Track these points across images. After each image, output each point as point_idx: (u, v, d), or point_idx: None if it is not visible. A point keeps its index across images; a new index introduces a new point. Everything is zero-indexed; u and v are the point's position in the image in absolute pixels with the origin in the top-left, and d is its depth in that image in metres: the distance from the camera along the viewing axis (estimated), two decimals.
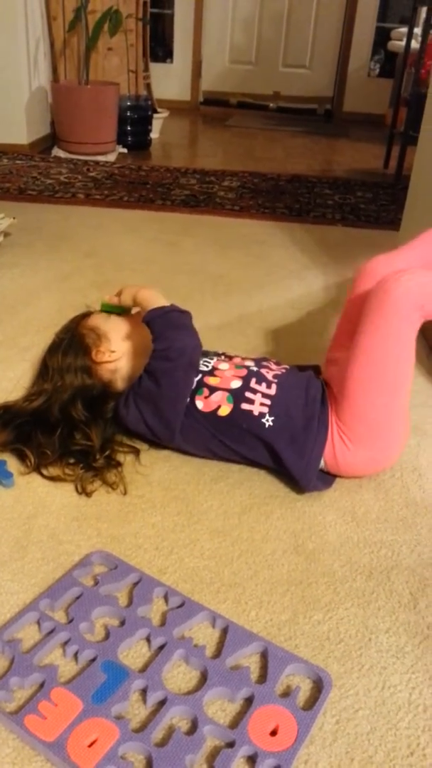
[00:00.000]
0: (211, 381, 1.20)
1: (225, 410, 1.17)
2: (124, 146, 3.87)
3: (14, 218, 2.22)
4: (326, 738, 0.79)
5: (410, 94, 3.28)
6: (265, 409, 1.16)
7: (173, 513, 1.12)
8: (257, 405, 1.16)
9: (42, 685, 0.81)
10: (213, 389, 1.19)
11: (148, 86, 4.40)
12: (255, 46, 5.47)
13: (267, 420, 1.15)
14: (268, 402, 1.16)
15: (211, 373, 1.22)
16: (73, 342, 1.27)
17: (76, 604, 0.92)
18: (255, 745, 0.75)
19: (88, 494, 1.15)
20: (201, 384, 1.20)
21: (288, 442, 1.14)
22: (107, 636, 0.88)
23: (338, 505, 1.16)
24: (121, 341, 1.28)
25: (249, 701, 0.81)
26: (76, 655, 0.85)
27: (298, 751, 0.75)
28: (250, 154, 4.07)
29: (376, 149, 4.24)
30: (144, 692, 0.81)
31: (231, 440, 1.18)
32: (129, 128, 3.87)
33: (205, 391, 1.19)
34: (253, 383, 1.19)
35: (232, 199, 2.95)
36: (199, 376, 1.21)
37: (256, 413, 1.15)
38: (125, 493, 1.16)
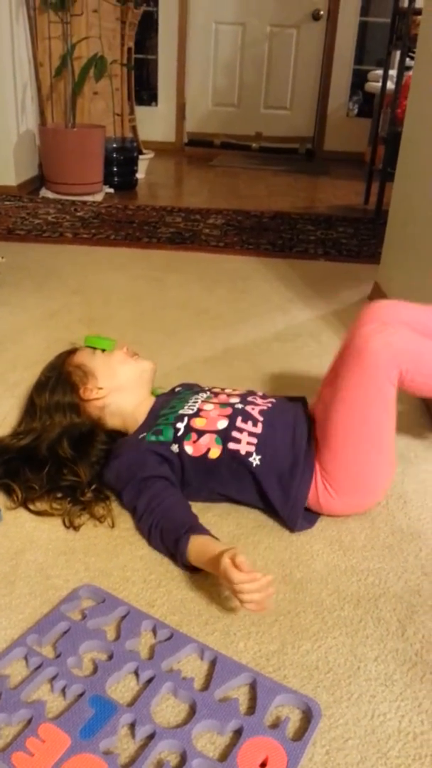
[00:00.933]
0: (197, 424, 1.20)
1: (215, 452, 1.16)
2: (110, 186, 3.94)
3: (2, 258, 2.25)
4: None
5: (387, 132, 3.38)
6: (252, 448, 1.16)
7: None
8: (244, 444, 1.16)
9: (30, 722, 0.81)
10: (200, 432, 1.18)
11: (133, 128, 4.50)
12: (237, 88, 5.61)
13: (254, 459, 1.15)
14: (254, 441, 1.17)
15: (197, 415, 1.22)
16: (60, 380, 1.28)
17: (64, 638, 0.92)
18: None
19: (76, 528, 1.15)
20: (188, 429, 1.19)
21: (275, 482, 1.15)
22: (95, 670, 0.88)
23: (325, 534, 1.17)
24: (108, 377, 1.28)
25: (238, 733, 0.81)
26: (63, 690, 0.85)
27: None
28: (234, 192, 4.15)
29: (356, 186, 4.34)
30: (132, 726, 0.81)
31: (221, 483, 1.18)
32: (115, 169, 3.95)
33: (193, 436, 1.18)
34: (239, 422, 1.19)
35: (216, 236, 3.00)
36: (185, 420, 1.21)
37: (243, 452, 1.16)
38: (113, 526, 1.16)
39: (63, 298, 2.20)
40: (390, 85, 3.73)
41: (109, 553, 1.10)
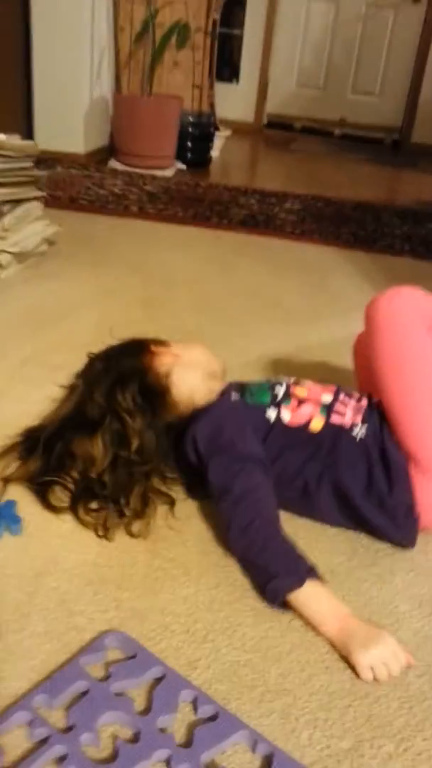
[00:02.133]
0: (298, 392, 1.07)
1: (318, 424, 1.03)
2: (182, 162, 3.74)
3: (60, 226, 2.07)
4: None
5: None
6: (358, 419, 1.03)
7: (211, 584, 0.92)
8: (349, 417, 1.04)
9: None
10: (302, 400, 1.06)
11: (211, 105, 4.28)
12: (324, 70, 5.32)
13: (359, 430, 1.02)
14: (359, 416, 1.04)
15: (296, 383, 1.10)
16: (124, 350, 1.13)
17: (80, 704, 0.72)
18: None
19: (109, 539, 0.96)
20: (287, 394, 1.06)
21: (378, 459, 0.99)
22: (115, 754, 0.68)
23: (414, 592, 0.94)
24: (180, 350, 1.15)
25: None
26: None
27: None
28: (313, 178, 3.89)
29: None
30: None
31: (321, 461, 1.01)
32: (189, 144, 3.74)
33: (293, 402, 1.05)
34: (342, 397, 1.08)
35: (293, 222, 2.76)
36: (284, 385, 1.08)
37: (348, 425, 1.03)
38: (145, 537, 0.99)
39: (121, 275, 2.00)
40: None
41: (146, 588, 0.90)
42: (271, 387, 1.08)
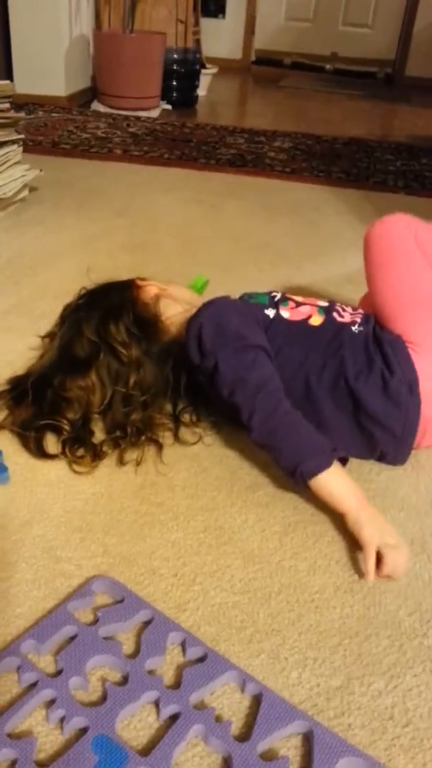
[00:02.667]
0: (295, 297, 1.12)
1: (317, 320, 1.06)
2: (168, 102, 3.61)
3: (41, 170, 2.00)
4: None
5: None
6: (358, 318, 1.07)
7: (199, 528, 0.91)
8: (347, 317, 1.08)
9: (14, 765, 0.61)
10: (299, 303, 1.10)
11: (197, 42, 4.10)
12: (314, 1, 5.09)
13: (357, 327, 1.05)
14: (358, 317, 1.08)
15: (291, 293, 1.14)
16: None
17: (69, 648, 0.72)
18: None
19: (101, 456, 0.99)
20: (285, 297, 1.11)
21: (376, 348, 1.02)
22: (104, 697, 0.68)
23: (404, 531, 0.93)
24: (164, 285, 1.15)
25: None
26: (61, 722, 0.65)
27: None
28: (303, 115, 3.77)
29: None
30: None
31: (318, 350, 1.02)
32: (174, 83, 3.61)
33: (291, 303, 1.09)
34: (337, 305, 1.11)
35: (283, 161, 2.68)
36: (280, 293, 1.12)
37: (347, 321, 1.07)
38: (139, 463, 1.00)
39: (105, 220, 1.95)
40: None
41: (134, 533, 0.89)
42: (268, 293, 1.12)
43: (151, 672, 0.71)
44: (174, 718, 0.66)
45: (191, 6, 3.93)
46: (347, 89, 4.68)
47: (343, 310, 1.10)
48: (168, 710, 0.67)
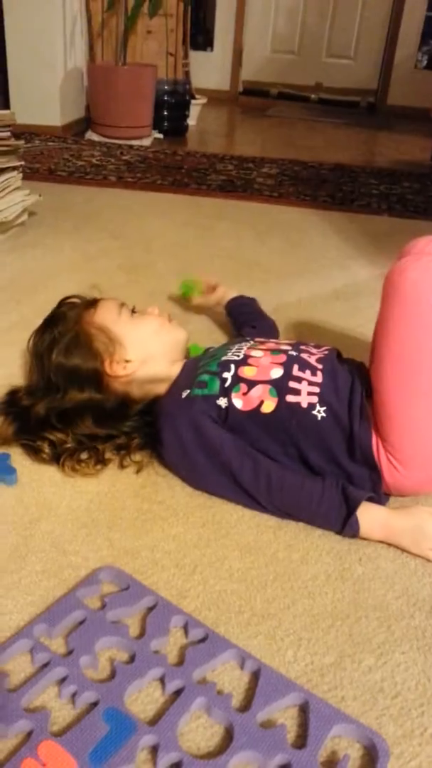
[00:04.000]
0: (246, 373, 1.03)
1: (269, 406, 0.99)
2: (160, 131, 3.72)
3: (40, 195, 2.08)
4: None
5: None
6: (314, 399, 0.99)
7: (198, 524, 0.96)
8: (304, 395, 0.99)
9: (29, 735, 0.66)
10: (251, 383, 1.01)
11: (186, 74, 4.24)
12: (298, 34, 5.27)
13: (318, 411, 0.98)
14: (316, 390, 0.99)
15: (245, 362, 1.04)
16: (77, 341, 1.06)
17: (78, 631, 0.76)
18: None
19: (104, 463, 1.05)
20: (236, 379, 1.02)
21: (341, 439, 0.97)
22: (113, 674, 0.72)
23: None
24: (138, 348, 1.08)
25: None
26: (73, 697, 0.70)
27: None
28: (290, 143, 3.89)
29: (421, 142, 4.02)
30: (155, 750, 0.65)
31: (276, 442, 0.99)
32: (166, 113, 3.72)
33: (243, 387, 1.01)
34: (295, 370, 1.02)
35: (270, 186, 2.78)
36: (232, 369, 1.04)
37: (304, 405, 0.98)
38: (138, 470, 1.04)
39: (102, 242, 2.02)
40: None
41: (137, 529, 0.94)
42: (220, 373, 1.04)
43: (156, 652, 0.75)
44: (178, 693, 0.71)
45: (180, 39, 4.08)
46: (331, 117, 4.82)
47: (300, 381, 1.01)
48: (173, 685, 0.72)
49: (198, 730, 0.69)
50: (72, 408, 1.04)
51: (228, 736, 0.68)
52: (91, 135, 3.54)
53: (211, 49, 5.34)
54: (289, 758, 0.65)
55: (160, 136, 3.72)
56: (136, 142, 3.47)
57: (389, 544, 0.94)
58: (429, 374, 0.92)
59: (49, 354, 1.06)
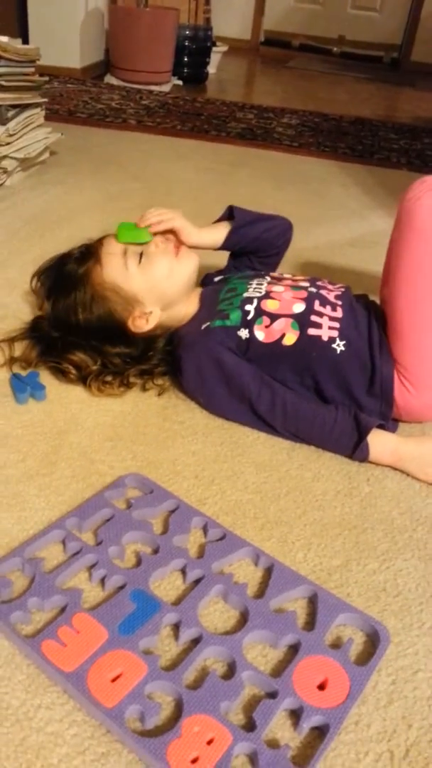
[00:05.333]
0: (269, 306, 1.06)
1: (291, 338, 1.03)
2: (179, 78, 3.69)
3: (62, 134, 2.09)
4: (380, 699, 0.69)
5: None
6: (335, 333, 1.03)
7: (216, 442, 1.02)
8: (325, 329, 1.03)
9: (64, 609, 0.72)
10: (274, 316, 1.05)
11: (208, 20, 4.17)
12: None
13: (338, 345, 1.02)
14: (336, 325, 1.04)
15: (267, 296, 1.08)
16: (97, 305, 1.07)
17: (106, 526, 0.83)
18: (300, 699, 0.66)
19: (128, 386, 1.08)
20: (259, 312, 1.05)
21: (359, 372, 1.02)
22: (138, 563, 0.79)
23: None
24: (154, 297, 1.08)
25: (294, 649, 0.71)
26: (103, 581, 0.76)
27: (349, 710, 0.65)
28: (311, 95, 3.85)
29: None
30: (176, 627, 0.72)
31: (296, 373, 1.04)
32: (186, 59, 3.68)
33: (265, 320, 1.04)
34: (317, 306, 1.06)
35: (290, 136, 2.77)
36: (254, 302, 1.07)
37: (325, 338, 1.03)
38: (160, 393, 1.09)
39: (122, 183, 2.04)
40: None
41: (159, 444, 1.00)
42: (242, 305, 1.06)
43: (178, 547, 0.82)
44: (198, 581, 0.77)
45: None
46: (354, 72, 4.75)
47: (321, 315, 1.04)
48: (193, 574, 0.78)
49: (215, 613, 0.75)
50: (106, 353, 1.09)
51: (243, 619, 0.74)
52: (110, 78, 3.51)
53: None
54: (299, 638, 0.72)
55: (180, 82, 3.69)
56: (156, 88, 3.44)
57: (396, 469, 1.00)
58: None
59: (74, 316, 1.07)
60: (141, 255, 1.08)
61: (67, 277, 1.10)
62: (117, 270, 1.07)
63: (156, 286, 1.08)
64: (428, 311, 0.98)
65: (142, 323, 1.08)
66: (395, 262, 1.01)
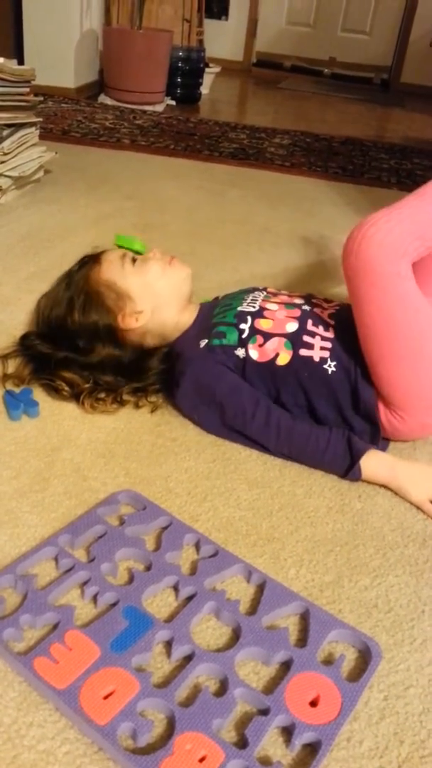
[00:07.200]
0: (263, 325, 1.07)
1: (284, 358, 1.04)
2: (172, 98, 3.73)
3: (56, 153, 2.11)
4: (372, 715, 0.69)
5: None
6: (326, 354, 1.04)
7: (208, 459, 1.02)
8: (317, 349, 1.04)
9: (56, 627, 0.72)
10: (267, 335, 1.06)
11: (201, 42, 4.23)
12: (314, 7, 5.24)
13: (329, 366, 1.03)
14: (328, 345, 1.05)
15: (261, 314, 1.09)
16: (90, 301, 1.09)
17: (99, 543, 0.83)
18: (292, 715, 0.66)
19: (122, 403, 1.09)
20: (253, 331, 1.07)
21: (348, 394, 1.03)
22: (131, 580, 0.79)
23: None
24: (146, 297, 1.10)
25: (286, 666, 0.72)
26: (95, 598, 0.77)
27: (341, 727, 0.66)
28: (302, 115, 3.90)
29: None
30: (169, 644, 0.72)
31: (288, 393, 1.05)
32: (179, 80, 3.73)
33: (259, 338, 1.06)
34: (309, 325, 1.07)
35: (282, 156, 2.80)
36: (249, 320, 1.08)
37: (317, 359, 1.04)
38: (153, 410, 1.10)
39: (116, 202, 2.06)
40: None
41: (152, 461, 1.01)
42: (237, 324, 1.08)
43: (171, 563, 0.82)
44: (190, 598, 0.78)
45: (196, 6, 4.06)
46: (345, 93, 4.82)
47: (314, 335, 1.06)
48: (185, 591, 0.78)
49: (208, 630, 0.76)
50: (96, 362, 1.09)
51: (235, 636, 0.74)
52: (104, 98, 3.55)
53: (226, 18, 5.30)
54: (291, 655, 0.72)
55: (173, 102, 3.73)
56: (149, 108, 3.48)
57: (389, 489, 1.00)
58: (407, 335, 0.98)
59: (70, 316, 1.09)
60: (134, 259, 1.13)
61: (65, 276, 1.15)
62: (114, 268, 1.11)
63: (148, 285, 1.10)
64: (396, 350, 0.99)
65: (131, 321, 1.10)
66: (354, 309, 1.01)
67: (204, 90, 4.02)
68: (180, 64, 3.70)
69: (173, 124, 3.18)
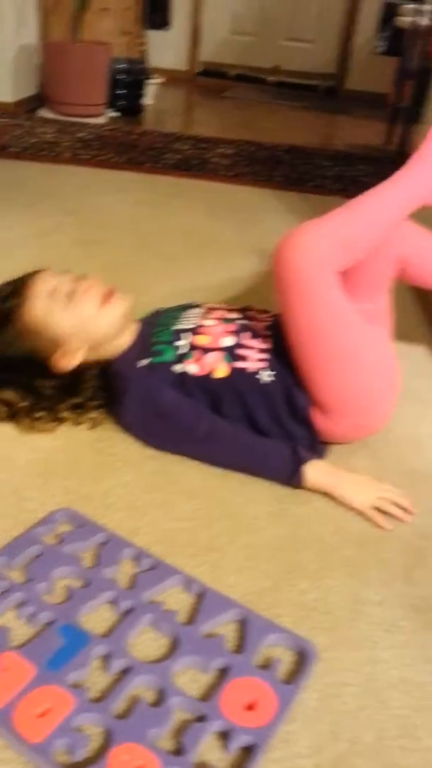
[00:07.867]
0: (199, 341, 1.09)
1: (222, 371, 1.05)
2: (115, 110, 3.73)
3: None
4: (309, 715, 0.70)
5: (417, 67, 3.17)
6: (264, 364, 1.06)
7: (149, 472, 1.03)
8: (254, 361, 1.06)
9: None
10: (205, 350, 1.07)
11: (142, 53, 4.25)
12: (258, 16, 5.30)
13: (267, 376, 1.05)
14: (265, 356, 1.07)
15: (197, 331, 1.11)
16: (20, 339, 1.06)
17: (36, 563, 0.83)
18: (228, 720, 0.67)
19: (60, 421, 1.09)
20: (189, 347, 1.08)
21: (283, 403, 1.05)
22: (68, 598, 0.79)
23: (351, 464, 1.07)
24: (78, 335, 1.06)
25: (224, 672, 0.72)
26: (31, 618, 0.76)
27: (276, 728, 0.67)
28: (246, 124, 3.94)
29: (377, 126, 4.11)
30: (106, 659, 0.73)
31: (227, 405, 1.06)
32: (121, 92, 3.73)
33: (197, 354, 1.07)
34: (245, 339, 1.09)
35: (226, 166, 2.83)
36: (185, 338, 1.09)
37: (252, 370, 1.05)
38: (93, 427, 1.10)
39: (57, 217, 2.05)
40: (424, 20, 3.47)
41: (91, 477, 1.01)
42: (173, 341, 1.09)
43: (108, 579, 0.82)
44: (128, 612, 0.78)
45: (137, 17, 4.08)
46: (290, 101, 4.88)
47: (249, 348, 1.08)
48: (123, 605, 0.79)
49: (146, 642, 0.76)
50: (33, 386, 1.09)
51: (173, 646, 0.75)
52: (44, 112, 3.54)
53: (169, 29, 5.33)
54: (228, 662, 0.73)
55: (116, 114, 3.73)
56: (91, 120, 3.48)
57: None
58: (335, 343, 1.02)
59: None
60: (68, 296, 1.06)
61: None
62: (42, 306, 1.05)
63: (81, 329, 1.06)
64: (325, 357, 1.02)
65: (65, 363, 1.07)
66: (282, 309, 1.04)
67: (148, 101, 4.03)
68: (122, 76, 3.70)
69: (116, 137, 3.19)
